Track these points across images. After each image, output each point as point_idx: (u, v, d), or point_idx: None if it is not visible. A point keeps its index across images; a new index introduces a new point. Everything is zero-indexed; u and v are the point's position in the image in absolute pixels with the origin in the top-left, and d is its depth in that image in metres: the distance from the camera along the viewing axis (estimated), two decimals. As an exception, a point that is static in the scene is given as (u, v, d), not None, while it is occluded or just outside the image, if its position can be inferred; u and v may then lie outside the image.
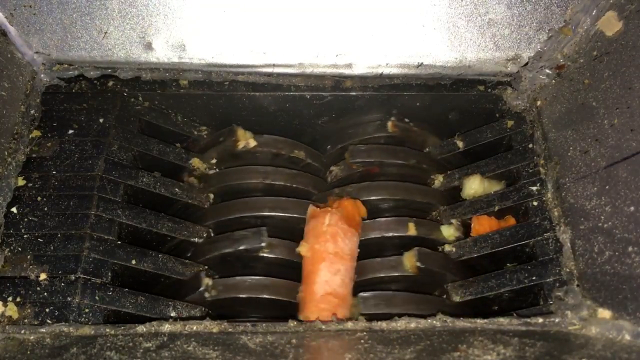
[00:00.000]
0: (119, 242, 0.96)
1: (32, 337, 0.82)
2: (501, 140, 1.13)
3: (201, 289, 0.99)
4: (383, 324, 0.84)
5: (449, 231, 1.09)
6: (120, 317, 0.92)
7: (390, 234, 1.07)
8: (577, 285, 0.91)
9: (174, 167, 1.11)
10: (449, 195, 1.15)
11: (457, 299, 1.01)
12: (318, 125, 1.20)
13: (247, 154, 1.14)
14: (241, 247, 1.02)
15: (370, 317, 0.90)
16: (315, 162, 1.18)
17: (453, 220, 1.10)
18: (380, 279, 1.04)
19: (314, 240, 1.02)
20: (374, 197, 1.10)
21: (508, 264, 1.03)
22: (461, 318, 0.85)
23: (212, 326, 0.84)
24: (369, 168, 1.14)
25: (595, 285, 0.88)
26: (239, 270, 1.04)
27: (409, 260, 1.02)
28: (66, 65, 1.11)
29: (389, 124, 1.17)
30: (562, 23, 1.07)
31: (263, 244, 1.02)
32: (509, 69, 1.13)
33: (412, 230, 1.06)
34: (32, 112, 1.07)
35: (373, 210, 1.11)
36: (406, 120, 1.18)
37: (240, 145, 1.12)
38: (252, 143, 1.12)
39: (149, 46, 1.09)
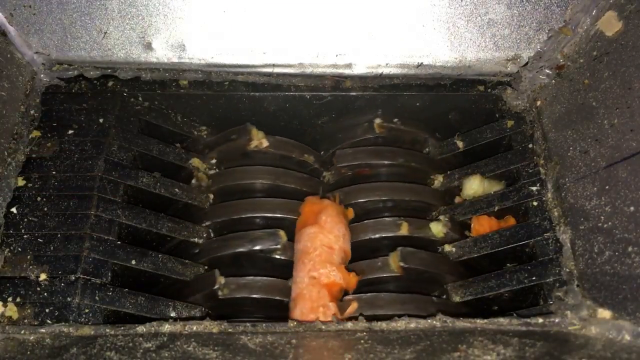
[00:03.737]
0: (119, 242, 0.96)
1: (32, 337, 0.82)
2: (501, 140, 1.13)
3: (216, 287, 0.99)
4: (383, 324, 0.84)
5: (437, 228, 1.09)
6: (120, 317, 0.92)
7: (379, 235, 1.07)
8: (577, 285, 0.91)
9: (174, 167, 1.11)
10: (449, 196, 1.15)
11: (457, 299, 1.01)
12: (318, 125, 1.20)
13: (255, 154, 1.15)
14: (256, 248, 1.03)
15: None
16: (318, 164, 1.18)
17: (441, 217, 1.10)
18: (368, 280, 1.04)
19: None
20: (367, 199, 1.10)
21: (508, 264, 1.03)
22: (461, 318, 0.85)
23: (212, 326, 0.84)
24: (358, 171, 1.15)
25: (595, 285, 0.88)
26: (246, 271, 1.05)
27: (394, 261, 1.03)
28: (66, 66, 1.11)
29: (375, 125, 1.17)
30: (562, 23, 1.07)
31: (278, 246, 1.03)
32: (508, 69, 1.13)
33: (404, 230, 1.06)
34: (32, 112, 1.07)
35: (369, 212, 1.11)
36: (395, 120, 1.17)
37: (253, 144, 1.12)
38: (265, 143, 1.12)
39: (148, 46, 1.09)
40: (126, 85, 1.12)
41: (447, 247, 1.07)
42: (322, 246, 1.02)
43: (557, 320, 0.86)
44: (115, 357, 0.74)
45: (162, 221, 1.03)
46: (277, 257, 1.05)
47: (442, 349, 0.75)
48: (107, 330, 0.83)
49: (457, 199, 1.14)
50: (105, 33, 1.07)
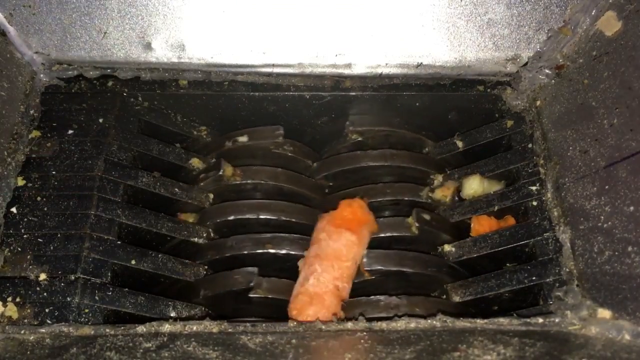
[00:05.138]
0: (119, 242, 0.96)
1: (32, 337, 0.82)
2: (501, 140, 1.13)
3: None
4: (383, 324, 0.84)
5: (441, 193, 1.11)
6: (120, 317, 0.92)
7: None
8: (577, 285, 0.91)
9: (174, 167, 1.11)
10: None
11: (457, 299, 1.01)
12: (318, 125, 1.20)
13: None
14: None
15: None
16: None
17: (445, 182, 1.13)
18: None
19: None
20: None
21: (508, 264, 1.03)
22: (461, 318, 0.85)
23: (212, 326, 0.84)
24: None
25: (595, 285, 0.88)
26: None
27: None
28: (65, 65, 1.11)
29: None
30: (561, 23, 1.07)
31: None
32: (508, 69, 1.13)
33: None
34: (32, 112, 1.06)
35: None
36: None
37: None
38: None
39: (148, 46, 1.09)
40: (126, 85, 1.12)
41: (447, 247, 1.07)
42: (354, 259, 1.01)
43: (557, 320, 0.86)
44: (115, 357, 0.74)
45: (162, 221, 1.03)
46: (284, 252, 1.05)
47: (442, 349, 0.75)
48: (107, 330, 0.83)
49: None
50: (105, 33, 1.07)
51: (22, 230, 0.94)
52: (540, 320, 0.86)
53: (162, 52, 1.10)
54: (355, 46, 1.11)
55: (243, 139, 1.14)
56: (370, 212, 1.07)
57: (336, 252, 1.00)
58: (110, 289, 0.92)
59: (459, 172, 1.14)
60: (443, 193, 1.11)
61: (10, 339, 0.82)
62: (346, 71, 1.14)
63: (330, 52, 1.11)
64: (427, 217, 1.06)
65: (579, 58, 1.05)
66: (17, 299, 0.88)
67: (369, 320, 0.86)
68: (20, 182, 0.98)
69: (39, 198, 0.97)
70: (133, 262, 0.96)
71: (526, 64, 1.12)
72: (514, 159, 1.08)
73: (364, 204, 1.07)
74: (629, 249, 0.83)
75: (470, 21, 1.07)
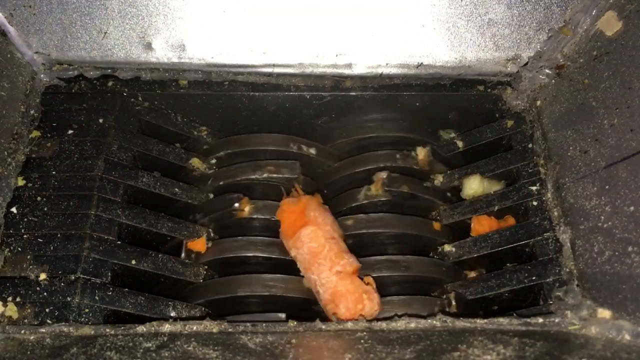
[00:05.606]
0: (119, 242, 0.96)
1: (32, 337, 0.82)
2: (501, 140, 1.13)
3: None
4: (383, 324, 0.84)
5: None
6: (120, 317, 0.92)
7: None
8: (577, 285, 0.91)
9: (174, 167, 1.11)
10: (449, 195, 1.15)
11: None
12: (318, 125, 1.20)
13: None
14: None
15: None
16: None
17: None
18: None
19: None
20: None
21: (508, 264, 1.03)
22: (461, 318, 0.85)
23: (212, 326, 0.84)
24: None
25: (595, 285, 0.88)
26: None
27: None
28: (66, 65, 1.11)
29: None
30: (562, 23, 1.07)
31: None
32: (508, 69, 1.13)
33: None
34: (32, 112, 1.07)
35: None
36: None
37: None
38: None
39: (148, 46, 1.09)
40: (126, 85, 1.12)
41: (447, 247, 1.07)
42: (327, 240, 1.01)
43: (557, 320, 0.86)
44: (115, 357, 0.74)
45: (162, 221, 1.03)
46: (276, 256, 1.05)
47: (442, 348, 0.75)
48: (107, 330, 0.83)
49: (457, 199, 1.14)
50: (105, 33, 1.07)
51: (22, 230, 0.94)
52: (540, 320, 0.86)
53: (162, 52, 1.10)
54: (356, 46, 1.11)
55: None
56: (302, 195, 1.09)
57: (311, 252, 1.01)
58: (110, 289, 0.92)
59: (459, 172, 1.14)
60: (375, 188, 1.11)
61: (10, 339, 0.82)
62: (346, 71, 1.14)
63: (330, 52, 1.11)
64: (349, 222, 1.08)
65: (579, 58, 1.05)
66: (17, 299, 0.88)
67: (369, 320, 0.86)
68: (21, 182, 0.98)
69: (39, 198, 0.97)
70: (133, 262, 0.96)
71: (526, 63, 1.12)
72: (514, 159, 1.08)
73: (289, 199, 1.08)
74: (629, 249, 0.83)
75: (470, 21, 1.07)
